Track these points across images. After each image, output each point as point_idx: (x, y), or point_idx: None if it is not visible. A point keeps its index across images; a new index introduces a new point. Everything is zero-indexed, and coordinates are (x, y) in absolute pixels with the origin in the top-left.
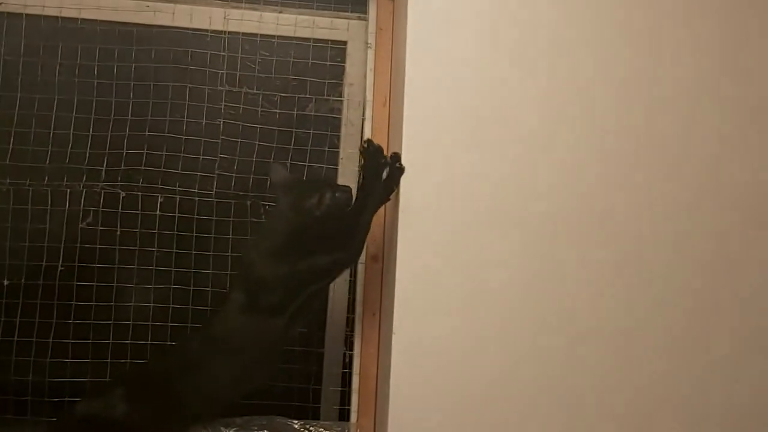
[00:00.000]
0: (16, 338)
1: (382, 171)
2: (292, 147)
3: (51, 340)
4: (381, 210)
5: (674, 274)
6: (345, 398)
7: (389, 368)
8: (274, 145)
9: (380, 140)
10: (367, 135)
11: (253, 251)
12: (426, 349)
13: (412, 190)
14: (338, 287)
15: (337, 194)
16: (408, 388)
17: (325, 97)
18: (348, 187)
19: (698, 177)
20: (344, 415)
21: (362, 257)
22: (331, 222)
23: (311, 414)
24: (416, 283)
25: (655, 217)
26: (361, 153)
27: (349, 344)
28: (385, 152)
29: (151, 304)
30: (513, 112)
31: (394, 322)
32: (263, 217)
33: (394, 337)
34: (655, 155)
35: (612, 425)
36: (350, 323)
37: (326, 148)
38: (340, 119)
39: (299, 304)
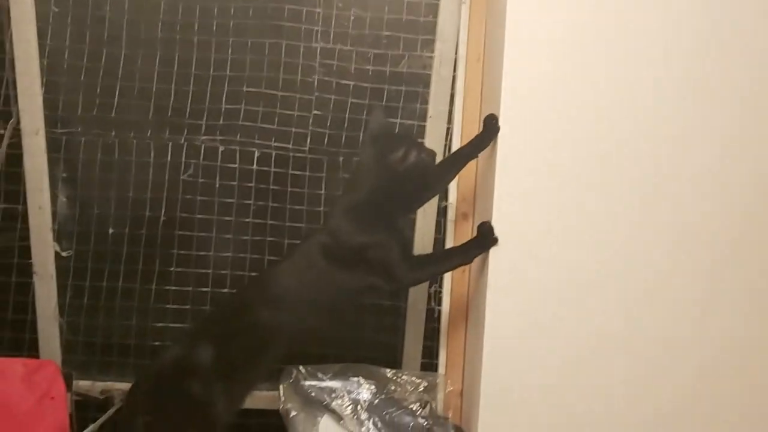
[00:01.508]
0: (120, 284)
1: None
2: (383, 103)
3: (153, 286)
4: (470, 168)
5: None
6: (432, 353)
7: (482, 325)
8: (366, 102)
9: (473, 96)
10: (459, 91)
11: (339, 200)
12: (520, 305)
13: (510, 147)
14: (425, 244)
15: (422, 155)
16: (501, 343)
17: (418, 53)
18: (433, 151)
19: None
20: (431, 369)
21: (452, 215)
22: (410, 182)
23: (399, 367)
24: (511, 240)
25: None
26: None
27: (437, 300)
28: (478, 112)
29: (248, 255)
30: (618, 69)
31: (489, 279)
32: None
33: (488, 293)
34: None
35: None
36: (439, 279)
37: (417, 105)
38: (430, 76)
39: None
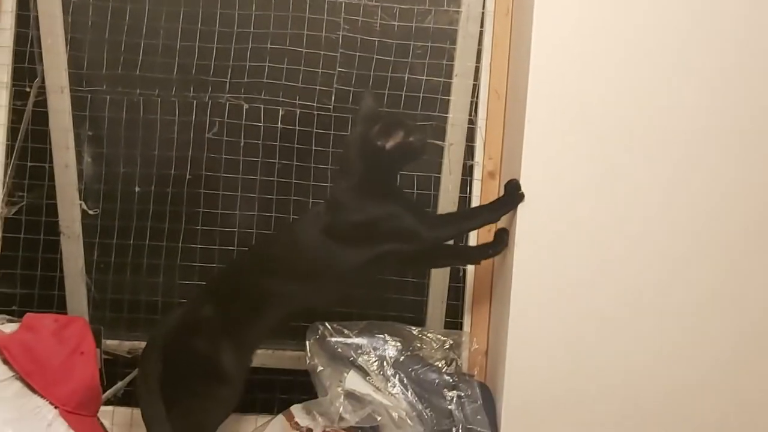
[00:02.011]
0: (147, 242)
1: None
2: (409, 60)
3: (180, 244)
4: (497, 125)
5: None
6: (456, 313)
7: (509, 284)
8: (392, 59)
9: (501, 52)
10: (486, 47)
11: (335, 182)
12: (548, 265)
13: (538, 104)
14: (449, 204)
15: (412, 138)
16: (527, 302)
17: (444, 8)
18: (425, 137)
19: None
20: (455, 329)
21: (479, 174)
22: (399, 164)
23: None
24: (538, 199)
25: None
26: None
27: None
28: (506, 68)
29: (273, 214)
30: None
31: (516, 238)
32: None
33: (515, 251)
34: None
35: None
36: (464, 239)
37: (444, 61)
38: (457, 31)
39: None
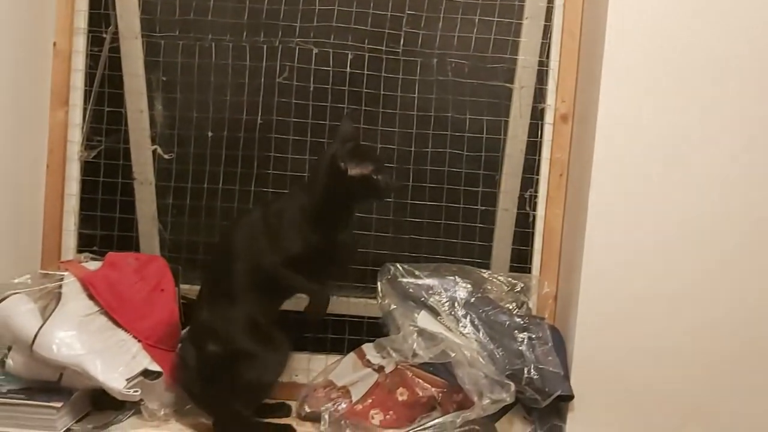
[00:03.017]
0: (221, 186)
1: None
2: (479, 1)
3: (252, 188)
4: (571, 63)
5: None
6: (523, 258)
7: (583, 228)
8: (462, 0)
9: None
10: None
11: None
12: (623, 207)
13: (618, 41)
14: (516, 150)
15: (379, 176)
16: (601, 244)
17: None
18: (392, 181)
19: None
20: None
21: (550, 117)
22: (356, 196)
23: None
24: (616, 141)
25: None
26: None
27: (532, 205)
28: (581, 8)
29: None
30: None
31: (592, 180)
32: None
33: (590, 193)
34: None
35: None
36: (534, 184)
37: (515, 2)
38: None
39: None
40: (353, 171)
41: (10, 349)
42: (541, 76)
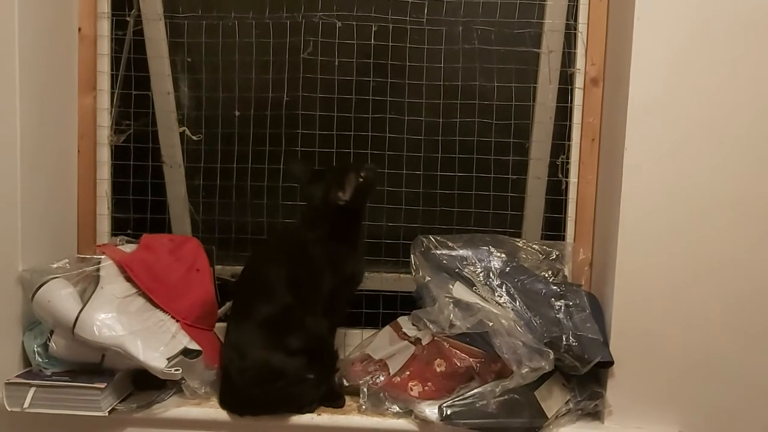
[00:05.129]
0: (250, 165)
1: None
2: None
3: (281, 166)
4: (600, 25)
5: None
6: (556, 226)
7: (618, 193)
8: None
9: None
10: None
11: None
12: (658, 173)
13: (649, 2)
14: (545, 116)
15: (361, 176)
16: (638, 212)
17: None
18: (372, 168)
19: None
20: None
21: (581, 82)
22: (361, 203)
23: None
24: (650, 103)
25: None
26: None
27: (564, 171)
28: None
29: (369, 133)
30: None
31: (627, 144)
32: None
33: (624, 159)
34: None
35: None
36: (566, 150)
37: None
38: None
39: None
40: (347, 195)
41: (52, 333)
42: (569, 40)
